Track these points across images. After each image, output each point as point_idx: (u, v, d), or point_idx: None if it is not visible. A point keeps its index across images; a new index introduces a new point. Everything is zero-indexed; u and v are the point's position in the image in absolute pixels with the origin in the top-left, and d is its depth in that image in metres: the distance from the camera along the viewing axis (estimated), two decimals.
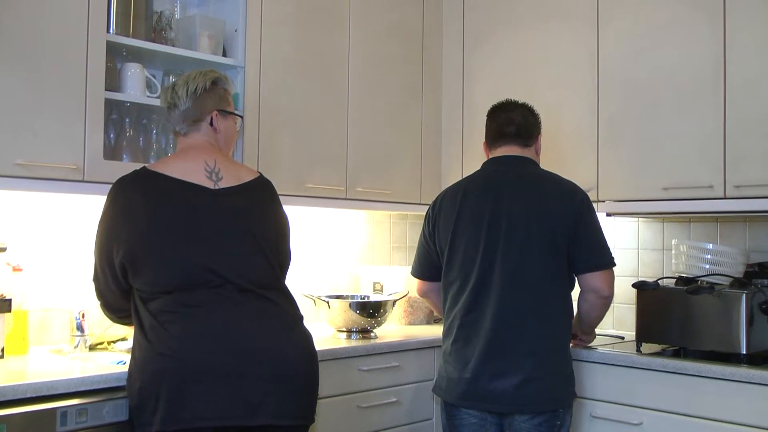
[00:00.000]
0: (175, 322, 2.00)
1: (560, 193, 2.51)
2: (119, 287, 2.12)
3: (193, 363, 1.96)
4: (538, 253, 2.44)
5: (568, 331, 2.55)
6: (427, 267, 2.71)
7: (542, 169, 2.62)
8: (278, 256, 2.22)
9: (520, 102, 2.67)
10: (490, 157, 2.65)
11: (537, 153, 2.67)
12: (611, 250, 2.53)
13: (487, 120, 2.69)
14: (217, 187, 2.15)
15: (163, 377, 1.95)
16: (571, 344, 2.77)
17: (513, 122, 2.60)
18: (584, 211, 2.48)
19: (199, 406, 1.94)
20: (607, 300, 2.54)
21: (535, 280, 2.44)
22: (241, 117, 2.38)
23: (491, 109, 2.70)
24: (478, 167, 2.71)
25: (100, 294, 2.20)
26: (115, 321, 2.29)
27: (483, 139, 2.72)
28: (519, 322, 2.42)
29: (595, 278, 2.49)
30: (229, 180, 2.18)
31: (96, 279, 2.19)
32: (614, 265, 2.53)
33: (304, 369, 2.11)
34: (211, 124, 2.24)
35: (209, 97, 2.24)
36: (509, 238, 2.45)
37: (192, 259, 2.05)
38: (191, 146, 2.23)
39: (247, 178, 2.24)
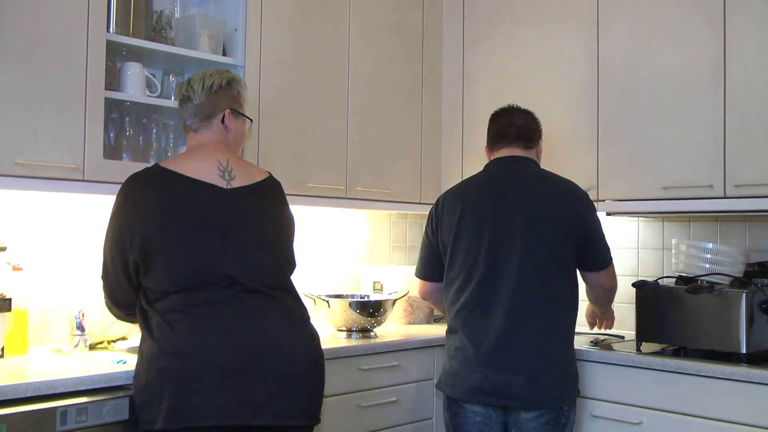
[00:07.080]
0: (181, 321, 2.01)
1: (563, 192, 2.53)
2: (131, 283, 2.10)
3: (198, 362, 1.96)
4: (543, 250, 2.46)
5: (573, 328, 2.56)
6: (430, 267, 2.71)
7: (544, 169, 2.64)
8: (287, 257, 2.22)
9: (522, 108, 2.70)
10: (493, 158, 2.66)
11: (538, 156, 2.69)
12: (610, 249, 2.58)
13: (489, 124, 2.71)
14: (229, 187, 2.14)
15: (168, 375, 1.96)
16: (595, 327, 2.93)
17: (514, 125, 2.63)
18: (587, 210, 2.52)
19: (202, 406, 1.95)
20: (611, 290, 2.69)
21: (542, 277, 2.46)
22: (251, 120, 2.37)
23: (493, 113, 2.72)
24: (478, 166, 2.71)
25: (110, 291, 2.18)
26: (122, 318, 2.28)
27: (483, 138, 2.73)
28: (527, 318, 2.43)
29: (600, 276, 2.60)
30: (241, 179, 2.18)
31: (105, 276, 2.16)
32: (612, 260, 2.60)
33: (309, 369, 2.11)
34: (223, 121, 2.24)
35: (223, 95, 2.24)
36: (513, 236, 2.46)
37: (201, 259, 2.05)
38: (204, 144, 2.22)
39: (259, 177, 2.24)
